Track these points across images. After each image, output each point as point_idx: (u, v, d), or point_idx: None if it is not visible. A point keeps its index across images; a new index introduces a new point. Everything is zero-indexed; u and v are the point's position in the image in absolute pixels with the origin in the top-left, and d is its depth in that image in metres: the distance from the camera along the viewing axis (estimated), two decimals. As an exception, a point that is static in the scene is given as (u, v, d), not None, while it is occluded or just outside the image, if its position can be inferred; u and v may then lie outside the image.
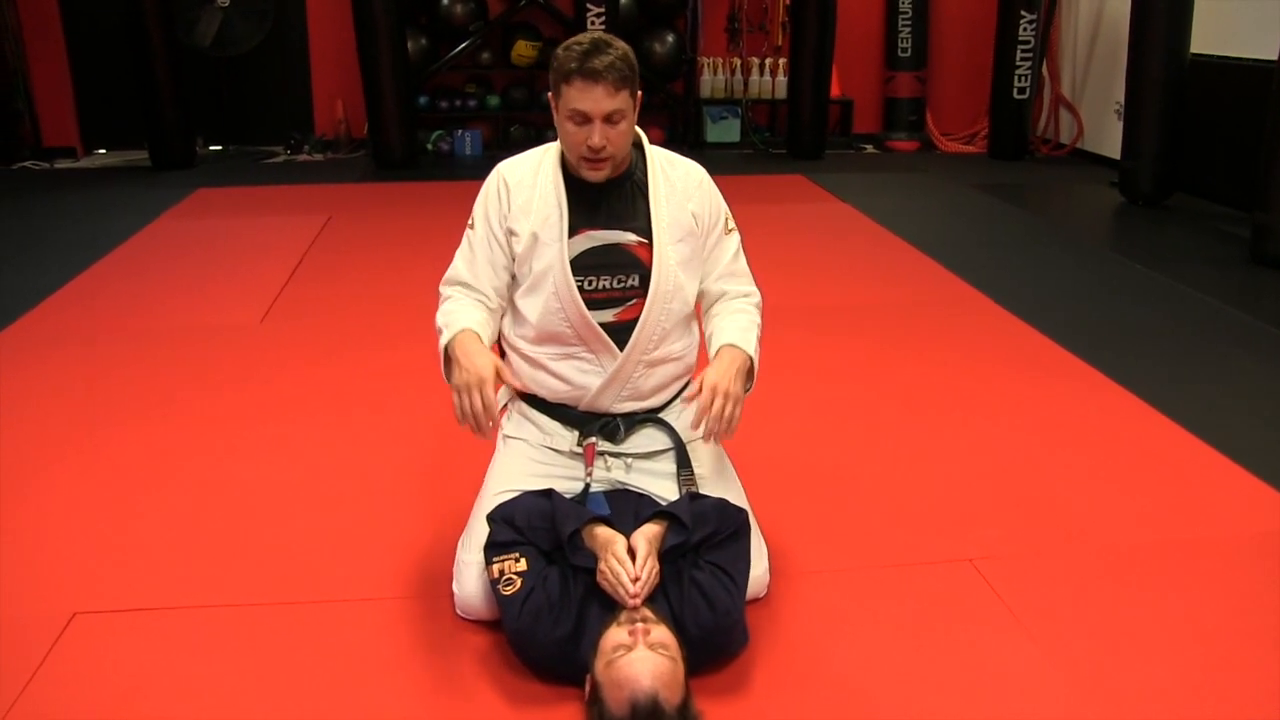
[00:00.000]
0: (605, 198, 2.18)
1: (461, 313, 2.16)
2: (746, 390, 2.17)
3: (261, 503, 2.72)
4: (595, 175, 2.13)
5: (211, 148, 8.03)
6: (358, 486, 2.80)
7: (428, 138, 8.01)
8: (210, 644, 2.13)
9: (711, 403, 2.05)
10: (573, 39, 2.08)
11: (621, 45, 2.06)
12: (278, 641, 2.14)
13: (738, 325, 2.22)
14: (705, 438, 2.10)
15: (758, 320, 2.27)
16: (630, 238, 2.18)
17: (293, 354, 3.80)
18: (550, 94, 2.11)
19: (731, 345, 2.16)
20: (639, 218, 2.19)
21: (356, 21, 7.04)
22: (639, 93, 2.11)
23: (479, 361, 2.02)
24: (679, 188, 2.22)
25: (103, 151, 7.97)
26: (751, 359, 2.17)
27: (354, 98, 7.64)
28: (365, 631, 2.17)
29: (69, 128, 7.81)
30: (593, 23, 6.82)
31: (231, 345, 3.87)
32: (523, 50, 7.88)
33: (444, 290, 2.25)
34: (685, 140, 8.25)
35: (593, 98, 2.02)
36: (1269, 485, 2.79)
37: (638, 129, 2.20)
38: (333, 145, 8.00)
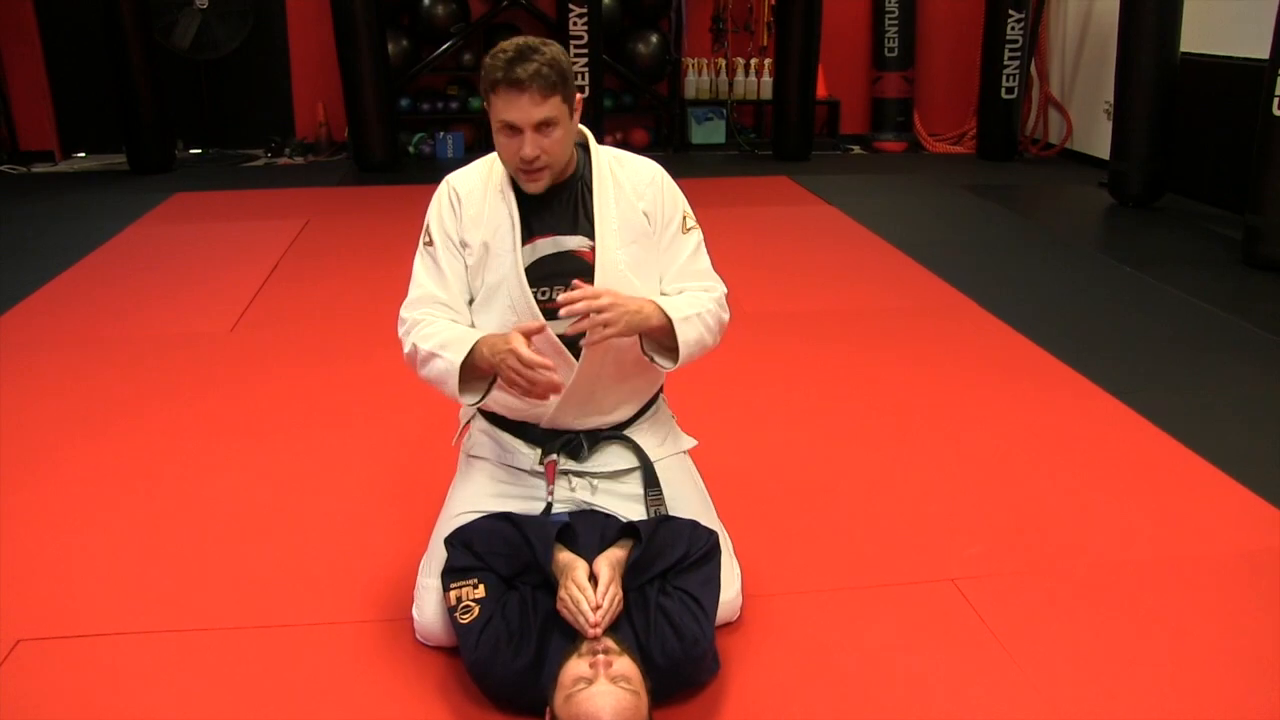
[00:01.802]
0: (552, 204, 2.08)
1: (449, 329, 2.04)
2: (672, 365, 2.06)
3: (221, 522, 2.63)
4: (533, 187, 2.03)
5: (191, 151, 7.94)
6: (323, 504, 2.71)
7: (409, 140, 7.93)
8: (160, 672, 2.04)
9: (592, 300, 1.90)
10: (500, 45, 1.97)
11: (551, 49, 1.95)
12: (230, 669, 2.05)
13: (677, 300, 2.08)
14: (563, 302, 1.92)
15: (708, 307, 2.10)
16: (579, 243, 2.08)
17: (261, 364, 3.70)
18: (484, 104, 2.01)
19: (658, 305, 2.03)
20: (587, 222, 2.09)
21: (336, 23, 6.95)
22: (577, 95, 2.01)
23: (496, 340, 1.93)
24: (628, 188, 2.12)
25: (81, 155, 7.88)
26: (670, 323, 2.01)
27: (335, 100, 7.55)
28: (323, 658, 2.08)
29: (47, 131, 7.72)
30: (575, 23, 6.75)
31: (199, 355, 3.78)
32: (506, 51, 7.79)
33: (411, 315, 2.09)
34: (670, 142, 8.17)
35: (519, 107, 1.92)
36: (1261, 499, 2.71)
37: (583, 128, 2.11)
38: (313, 148, 7.92)
